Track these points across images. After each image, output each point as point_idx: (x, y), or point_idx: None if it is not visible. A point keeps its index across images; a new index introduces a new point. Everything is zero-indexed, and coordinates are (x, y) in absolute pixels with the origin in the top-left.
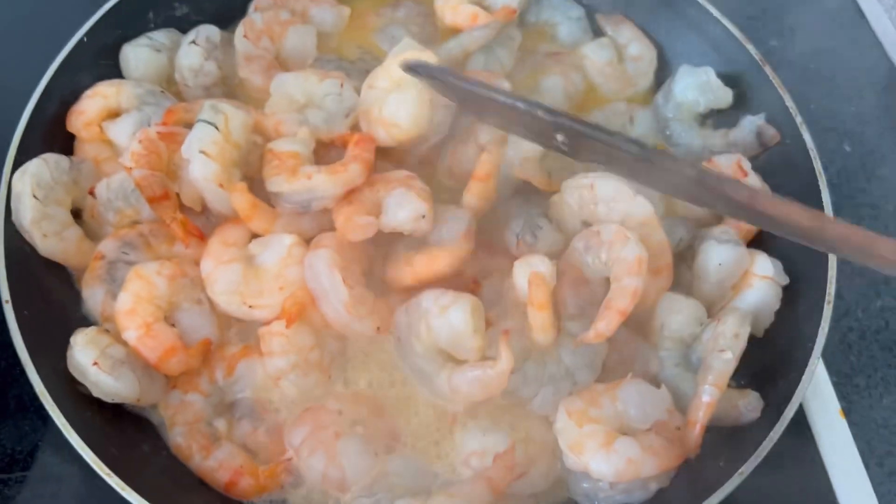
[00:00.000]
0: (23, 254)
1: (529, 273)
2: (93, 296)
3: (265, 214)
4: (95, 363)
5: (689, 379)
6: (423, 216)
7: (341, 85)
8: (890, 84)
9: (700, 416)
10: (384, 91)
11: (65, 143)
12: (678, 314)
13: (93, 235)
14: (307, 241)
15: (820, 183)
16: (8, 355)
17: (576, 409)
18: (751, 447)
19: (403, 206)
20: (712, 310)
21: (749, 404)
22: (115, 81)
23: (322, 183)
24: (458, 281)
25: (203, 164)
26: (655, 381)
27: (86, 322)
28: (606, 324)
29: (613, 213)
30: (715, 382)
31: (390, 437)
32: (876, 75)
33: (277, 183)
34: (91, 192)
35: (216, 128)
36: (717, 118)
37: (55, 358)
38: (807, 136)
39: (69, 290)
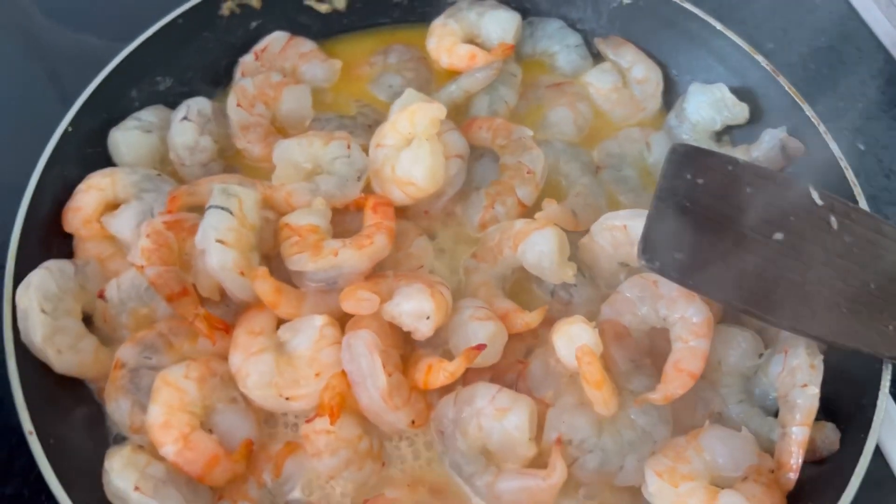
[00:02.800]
0: (37, 375)
1: (575, 349)
2: (118, 409)
3: (291, 298)
4: (137, 488)
5: (756, 414)
6: (428, 318)
7: (348, 146)
8: (892, 77)
9: (794, 457)
10: (394, 148)
11: (63, 244)
12: (735, 348)
13: (107, 341)
14: (338, 319)
15: (855, 192)
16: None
17: (665, 468)
18: (838, 482)
19: (411, 299)
20: (764, 335)
21: (826, 437)
22: (108, 171)
23: (349, 259)
24: (503, 364)
25: (221, 253)
26: (721, 421)
27: (111, 437)
28: (677, 386)
29: None
30: (804, 420)
31: None
32: (874, 69)
33: (301, 262)
34: (101, 296)
35: (230, 213)
36: (734, 134)
37: (90, 487)
38: (833, 146)
39: (90, 405)
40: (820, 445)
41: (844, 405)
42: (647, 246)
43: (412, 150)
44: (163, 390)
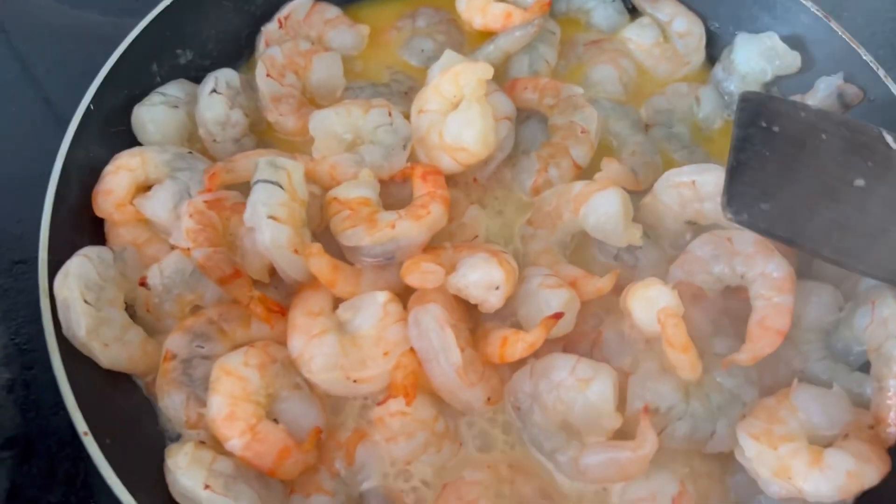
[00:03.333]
0: (83, 371)
1: (656, 312)
2: (172, 403)
3: (348, 275)
4: (207, 486)
5: (842, 370)
6: (497, 287)
7: (389, 113)
8: None
9: (893, 410)
10: (439, 113)
11: (94, 231)
12: (815, 303)
13: (152, 332)
14: (396, 295)
15: None
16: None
17: (760, 431)
18: None
19: (478, 270)
20: (841, 288)
21: None
22: (137, 150)
23: (407, 230)
24: (574, 334)
25: (274, 229)
26: (805, 379)
27: (165, 434)
28: (765, 345)
29: None
30: None
31: (542, 498)
32: None
33: (356, 236)
34: (142, 283)
35: (280, 186)
36: (783, 85)
37: (154, 488)
38: (894, 89)
39: (140, 401)
40: None
41: None
42: (732, 198)
43: (461, 113)
44: (223, 380)
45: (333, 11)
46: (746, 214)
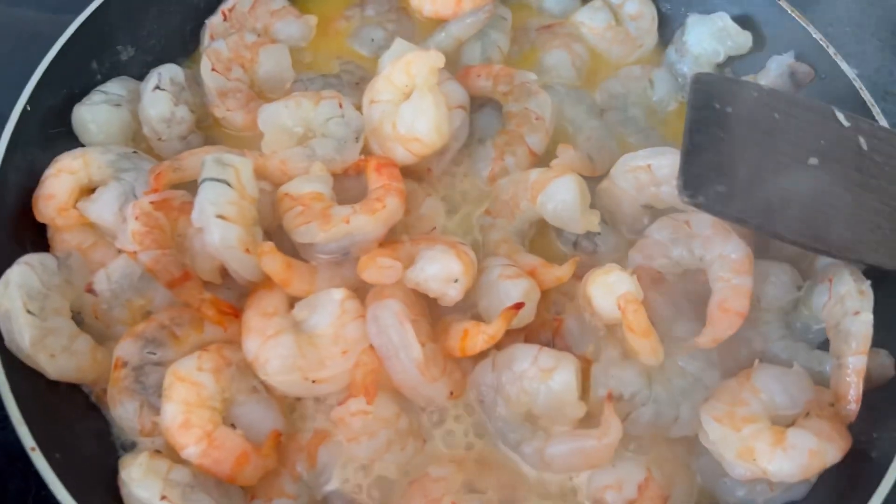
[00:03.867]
0: (29, 384)
1: (616, 298)
2: (125, 412)
3: (303, 273)
4: (164, 497)
5: (802, 349)
6: (456, 280)
7: (340, 105)
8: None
9: (853, 388)
10: (391, 104)
11: (37, 238)
12: (773, 282)
13: (101, 339)
14: (353, 291)
15: (874, 111)
16: None
17: (723, 413)
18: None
19: (436, 263)
20: (798, 267)
21: (881, 364)
22: (79, 151)
23: (363, 224)
24: (535, 323)
25: (223, 229)
26: (766, 359)
27: (118, 445)
28: (725, 327)
29: None
30: (860, 349)
31: (510, 490)
32: None
33: (310, 233)
34: (89, 290)
35: (228, 184)
36: (736, 65)
37: (107, 502)
38: (845, 67)
39: (90, 412)
40: (874, 373)
41: (893, 329)
42: (688, 181)
43: (413, 103)
44: (177, 386)
45: (279, 2)
46: (702, 197)
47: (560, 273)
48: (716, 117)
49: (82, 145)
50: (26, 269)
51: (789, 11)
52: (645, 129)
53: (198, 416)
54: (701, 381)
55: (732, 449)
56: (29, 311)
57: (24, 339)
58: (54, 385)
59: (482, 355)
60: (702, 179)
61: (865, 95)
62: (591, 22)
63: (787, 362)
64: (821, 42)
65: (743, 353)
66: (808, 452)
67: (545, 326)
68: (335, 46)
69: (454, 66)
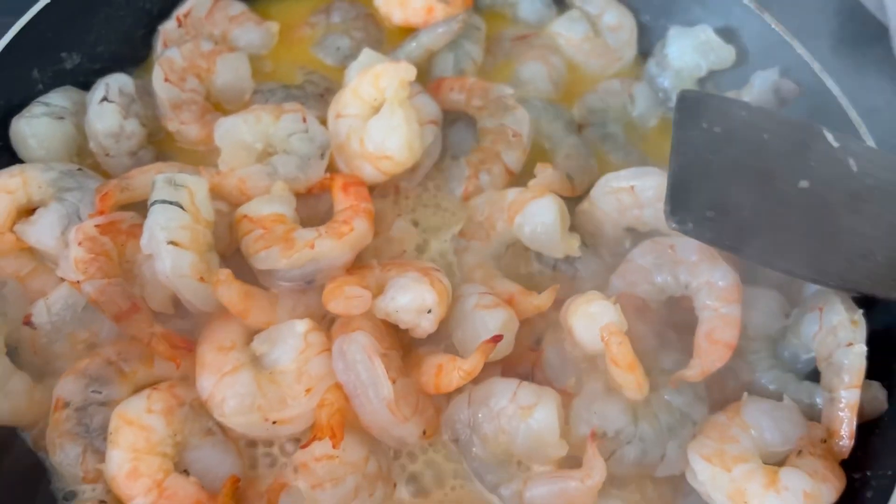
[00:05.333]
0: None
1: (599, 329)
2: (66, 458)
3: (262, 303)
4: None
5: (791, 380)
6: (430, 311)
7: (304, 119)
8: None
9: (846, 423)
10: (359, 118)
11: None
12: (761, 310)
13: (40, 377)
14: (318, 322)
15: (860, 130)
16: None
17: (712, 452)
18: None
19: (408, 292)
20: (785, 293)
21: (873, 397)
22: (16, 168)
23: (328, 250)
24: (513, 354)
25: (175, 256)
26: (754, 391)
27: (59, 495)
28: (715, 359)
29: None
30: (853, 382)
31: None
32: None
33: (270, 259)
34: (27, 322)
35: (181, 207)
36: (718, 80)
37: None
38: (831, 83)
39: (27, 458)
40: (866, 407)
41: (886, 361)
42: (676, 207)
43: (383, 118)
44: (123, 430)
45: (238, 7)
46: (691, 224)
47: (539, 302)
48: (703, 137)
49: (21, 161)
50: None
51: (773, 25)
52: (625, 146)
53: (147, 463)
54: (689, 416)
55: (722, 490)
56: None
57: None
58: None
59: (457, 390)
60: (690, 205)
61: (852, 114)
62: (568, 33)
63: (775, 394)
64: (805, 57)
65: (730, 385)
66: (802, 494)
67: (524, 358)
68: (298, 55)
69: (425, 77)
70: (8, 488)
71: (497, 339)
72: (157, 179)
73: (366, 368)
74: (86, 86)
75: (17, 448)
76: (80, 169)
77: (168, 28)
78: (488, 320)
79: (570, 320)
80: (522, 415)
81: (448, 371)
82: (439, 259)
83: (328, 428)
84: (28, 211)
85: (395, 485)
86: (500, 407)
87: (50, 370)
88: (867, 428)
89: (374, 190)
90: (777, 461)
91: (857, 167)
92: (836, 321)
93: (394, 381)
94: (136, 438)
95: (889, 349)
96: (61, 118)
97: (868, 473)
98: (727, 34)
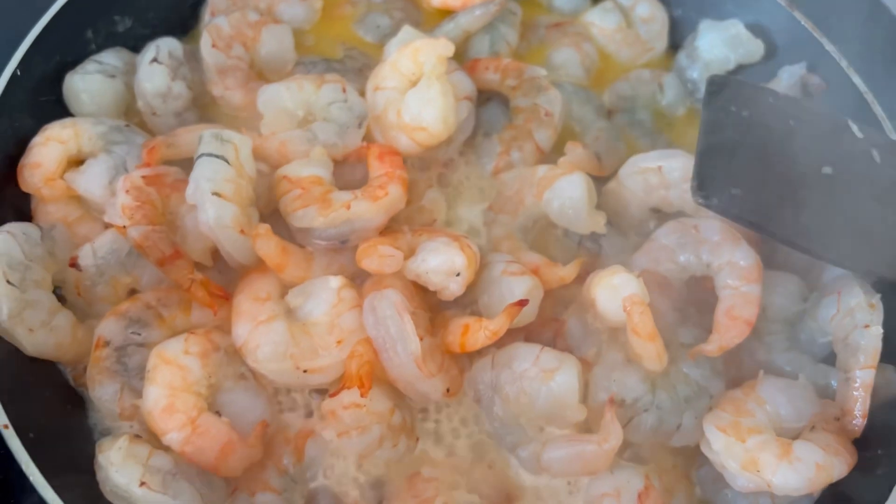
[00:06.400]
0: (6, 358)
1: (621, 300)
2: (104, 394)
3: (298, 259)
4: (143, 483)
5: (807, 361)
6: (458, 274)
7: (343, 90)
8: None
9: (861, 402)
10: (397, 91)
11: (20, 208)
12: (780, 292)
13: (83, 317)
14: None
15: (885, 127)
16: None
17: (728, 423)
18: None
19: (439, 255)
20: (805, 278)
21: (887, 380)
22: (69, 121)
23: (363, 211)
24: (536, 323)
25: (218, 207)
26: (770, 370)
27: (95, 428)
28: (734, 335)
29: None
30: (868, 363)
31: (504, 497)
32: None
33: (308, 217)
34: (73, 264)
35: (226, 161)
36: (746, 74)
37: (82, 485)
38: (857, 80)
39: (67, 391)
40: (880, 390)
41: None
42: (703, 183)
43: (420, 91)
44: (161, 369)
45: None
46: (716, 199)
47: (564, 273)
48: (732, 120)
49: (73, 115)
50: (8, 238)
51: (802, 22)
52: (652, 132)
53: (182, 400)
54: (706, 389)
55: (737, 459)
56: (9, 282)
57: (2, 310)
58: (32, 362)
59: (481, 353)
60: (716, 181)
61: (877, 110)
62: (601, 22)
63: (791, 374)
64: (833, 54)
65: (746, 364)
66: (814, 466)
67: (546, 326)
68: (339, 31)
69: (461, 58)
70: (51, 419)
71: (523, 303)
72: (205, 134)
73: (395, 324)
74: (135, 49)
75: (59, 383)
76: (127, 125)
77: None
78: (514, 286)
79: (593, 291)
80: (544, 378)
81: (474, 330)
82: (469, 231)
83: (357, 377)
84: (78, 161)
85: (417, 439)
86: (523, 369)
87: (93, 312)
88: (880, 409)
89: (407, 161)
90: (791, 437)
91: (881, 158)
92: (853, 303)
93: (421, 339)
94: (172, 377)
95: None
96: (113, 76)
97: (879, 452)
98: (757, 29)
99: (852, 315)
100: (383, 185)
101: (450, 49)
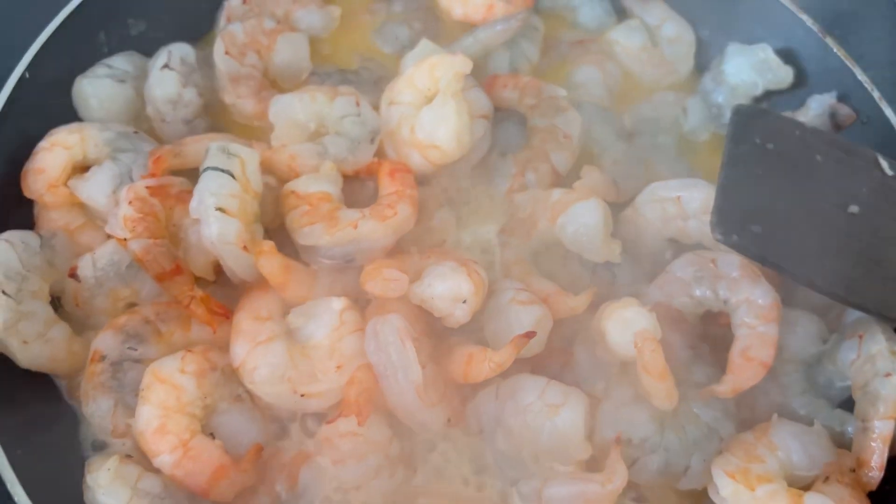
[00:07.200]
0: None
1: (633, 335)
2: (97, 410)
3: (301, 278)
4: None
5: (824, 406)
6: (465, 301)
7: (357, 103)
8: None
9: (878, 454)
10: (411, 107)
11: (22, 214)
12: (798, 333)
13: (80, 329)
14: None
15: None
16: None
17: (737, 469)
18: None
19: (446, 280)
20: (825, 319)
21: None
22: (76, 126)
23: (371, 231)
24: (543, 353)
25: (221, 223)
26: (784, 414)
27: (87, 444)
28: (748, 377)
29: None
30: (888, 413)
31: None
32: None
33: (314, 235)
34: (72, 274)
35: (232, 176)
36: (774, 101)
37: None
38: (889, 112)
39: (60, 406)
40: None
41: None
42: (722, 219)
43: (435, 108)
44: (155, 387)
45: None
46: (736, 236)
47: (575, 304)
48: (756, 153)
49: (81, 120)
50: (7, 247)
51: (835, 50)
52: (674, 157)
53: (175, 422)
54: (716, 431)
55: None
56: (4, 293)
57: None
58: (24, 375)
59: (485, 383)
60: (737, 217)
61: None
62: (626, 41)
63: (806, 419)
64: (865, 84)
65: (760, 405)
66: None
67: (554, 357)
68: (357, 41)
69: (480, 73)
70: (40, 435)
71: (530, 335)
72: (212, 147)
73: (397, 350)
74: (149, 53)
75: (52, 396)
76: (135, 132)
77: (232, 4)
78: (523, 316)
79: (603, 324)
80: (549, 413)
81: (478, 361)
82: (479, 254)
83: (355, 405)
84: (83, 168)
85: (415, 470)
86: (528, 402)
87: (90, 324)
88: None
89: (420, 179)
90: (802, 486)
91: None
92: (875, 350)
93: (423, 367)
94: (166, 396)
95: None
96: (123, 81)
97: None
98: (787, 55)
99: (873, 362)
100: (392, 204)
101: (467, 65)
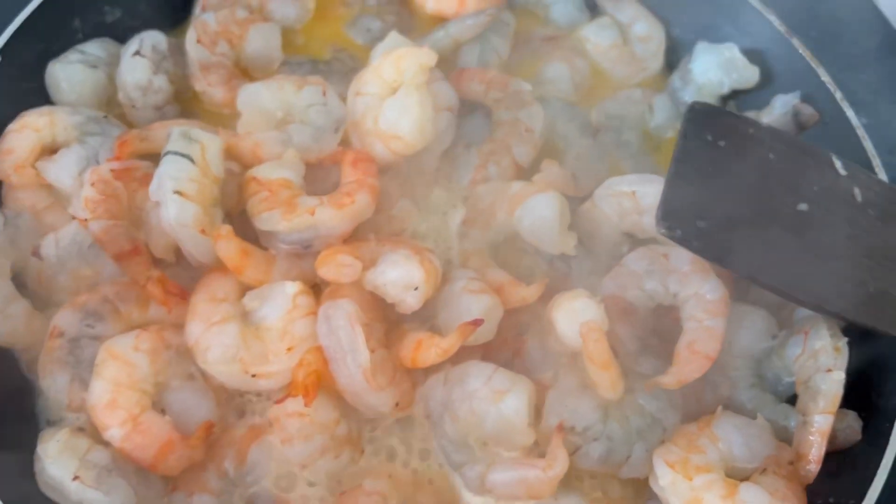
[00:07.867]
0: None
1: (579, 325)
2: (54, 384)
3: (259, 262)
4: (76, 477)
5: (769, 401)
6: (416, 288)
7: (324, 93)
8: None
9: (816, 448)
10: (376, 97)
11: None
12: (748, 328)
13: (41, 306)
14: (310, 287)
15: (874, 164)
16: None
17: (676, 459)
18: (861, 476)
19: (398, 267)
20: (778, 316)
21: (848, 427)
22: (46, 109)
23: (328, 218)
24: (495, 341)
25: (179, 206)
26: (730, 407)
27: (43, 418)
28: (692, 370)
29: None
30: (827, 408)
31: None
32: (875, 41)
33: (271, 220)
34: (35, 253)
35: (191, 160)
36: (740, 100)
37: (20, 476)
38: (850, 114)
39: (18, 380)
40: (840, 435)
41: (866, 392)
42: (668, 212)
43: (398, 99)
44: (108, 363)
45: None
46: (680, 231)
47: (526, 293)
48: (706, 149)
49: (52, 104)
50: None
51: (800, 50)
52: (638, 154)
53: (126, 397)
54: (660, 422)
55: (681, 498)
56: None
57: None
58: None
59: (436, 368)
60: (682, 213)
61: (867, 145)
62: (596, 38)
63: (751, 413)
64: (828, 85)
65: (708, 398)
66: None
67: (506, 346)
68: (330, 32)
69: (450, 66)
70: (1, 405)
71: (478, 322)
72: (174, 131)
73: (347, 335)
74: (124, 40)
75: (11, 368)
76: (105, 116)
77: None
78: (473, 304)
79: (553, 314)
80: (494, 399)
81: (426, 347)
82: (439, 244)
83: (302, 386)
84: (52, 150)
85: (362, 452)
86: (474, 388)
87: (52, 301)
88: (838, 456)
89: (385, 169)
90: (741, 477)
91: (862, 197)
92: (818, 346)
93: (373, 351)
94: (119, 372)
95: (871, 381)
96: (95, 67)
97: (831, 501)
98: (754, 55)
99: (816, 357)
100: (351, 192)
101: (432, 58)
